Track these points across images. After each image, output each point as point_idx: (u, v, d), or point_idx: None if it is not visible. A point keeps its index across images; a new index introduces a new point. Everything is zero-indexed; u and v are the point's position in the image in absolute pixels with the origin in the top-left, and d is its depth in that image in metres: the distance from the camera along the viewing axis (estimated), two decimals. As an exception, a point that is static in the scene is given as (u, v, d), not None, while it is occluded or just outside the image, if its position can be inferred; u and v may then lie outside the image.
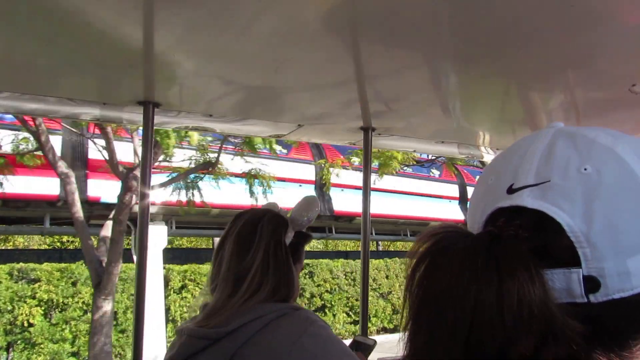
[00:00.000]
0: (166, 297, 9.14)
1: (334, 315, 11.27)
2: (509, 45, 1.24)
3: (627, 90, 1.54)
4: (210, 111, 1.72)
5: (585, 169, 0.46)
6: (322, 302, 11.10)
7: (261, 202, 8.32)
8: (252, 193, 7.94)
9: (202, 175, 7.37)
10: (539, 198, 0.46)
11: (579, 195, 0.45)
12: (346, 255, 14.06)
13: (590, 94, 1.63)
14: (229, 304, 1.15)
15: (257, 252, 1.20)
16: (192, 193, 7.17)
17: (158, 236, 9.16)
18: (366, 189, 1.98)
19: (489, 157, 2.49)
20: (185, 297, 9.60)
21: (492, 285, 0.42)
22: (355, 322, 11.49)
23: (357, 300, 11.55)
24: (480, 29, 1.13)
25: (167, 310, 9.14)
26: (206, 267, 10.08)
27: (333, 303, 11.30)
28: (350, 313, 11.60)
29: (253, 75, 1.46)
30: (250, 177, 7.74)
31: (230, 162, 7.53)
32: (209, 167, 6.91)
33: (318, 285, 11.08)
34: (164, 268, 9.33)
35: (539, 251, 0.45)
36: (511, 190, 0.49)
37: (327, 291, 11.25)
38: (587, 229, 0.44)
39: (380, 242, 19.10)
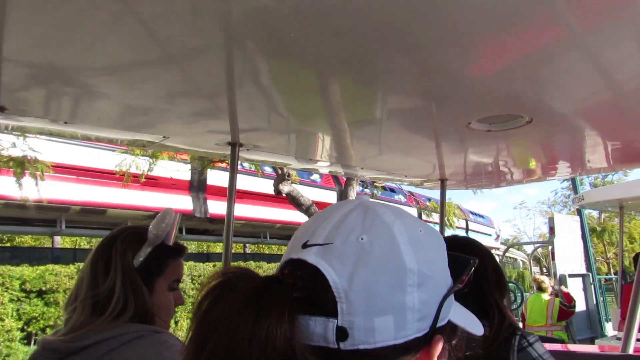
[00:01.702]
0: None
1: (176, 323, 10.93)
2: (369, 82, 1.44)
3: (465, 127, 1.84)
4: (65, 118, 1.63)
5: (362, 239, 0.56)
6: (163, 309, 10.74)
7: (34, 194, 7.25)
8: (19, 184, 6.81)
9: None
10: (320, 256, 0.56)
11: (350, 259, 0.55)
12: (207, 257, 13.86)
13: (437, 128, 1.91)
14: (93, 322, 1.15)
15: (115, 276, 1.21)
16: None
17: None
18: (231, 196, 2.07)
19: (365, 173, 2.74)
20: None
21: (249, 321, 0.50)
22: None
23: (204, 306, 11.34)
24: (342, 62, 1.28)
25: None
26: (20, 269, 9.17)
27: (176, 309, 10.94)
28: (195, 319, 11.36)
29: (107, 88, 1.41)
30: (17, 165, 6.58)
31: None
32: None
33: (158, 291, 10.64)
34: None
35: (309, 299, 0.54)
36: (305, 246, 0.58)
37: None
38: (348, 288, 0.53)
39: (247, 245, 19.37)
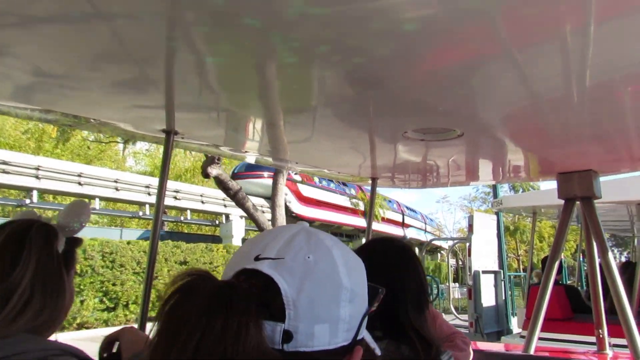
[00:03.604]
0: None
1: (82, 302, 10.55)
2: (313, 88, 1.49)
3: (401, 135, 1.95)
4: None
5: (308, 257, 0.68)
6: (69, 286, 10.41)
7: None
8: None
9: None
10: (272, 268, 0.66)
11: (299, 273, 0.66)
12: (121, 233, 13.67)
13: (374, 134, 2.03)
14: None
15: (26, 268, 1.12)
16: None
17: None
18: (162, 182, 2.04)
19: (300, 167, 2.81)
20: None
21: (220, 316, 0.58)
22: (109, 309, 10.99)
23: (114, 284, 11.05)
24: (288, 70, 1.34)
25: None
26: None
27: (82, 287, 10.57)
28: (105, 299, 11.02)
29: (36, 65, 1.34)
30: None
31: None
32: None
33: (65, 267, 10.28)
34: None
35: (262, 305, 0.63)
36: (257, 259, 0.68)
37: (75, 273, 10.45)
38: (296, 297, 0.64)
39: (166, 223, 19.42)
